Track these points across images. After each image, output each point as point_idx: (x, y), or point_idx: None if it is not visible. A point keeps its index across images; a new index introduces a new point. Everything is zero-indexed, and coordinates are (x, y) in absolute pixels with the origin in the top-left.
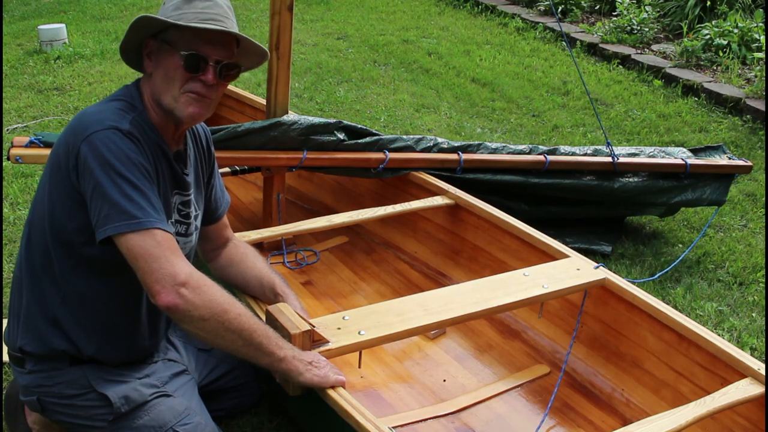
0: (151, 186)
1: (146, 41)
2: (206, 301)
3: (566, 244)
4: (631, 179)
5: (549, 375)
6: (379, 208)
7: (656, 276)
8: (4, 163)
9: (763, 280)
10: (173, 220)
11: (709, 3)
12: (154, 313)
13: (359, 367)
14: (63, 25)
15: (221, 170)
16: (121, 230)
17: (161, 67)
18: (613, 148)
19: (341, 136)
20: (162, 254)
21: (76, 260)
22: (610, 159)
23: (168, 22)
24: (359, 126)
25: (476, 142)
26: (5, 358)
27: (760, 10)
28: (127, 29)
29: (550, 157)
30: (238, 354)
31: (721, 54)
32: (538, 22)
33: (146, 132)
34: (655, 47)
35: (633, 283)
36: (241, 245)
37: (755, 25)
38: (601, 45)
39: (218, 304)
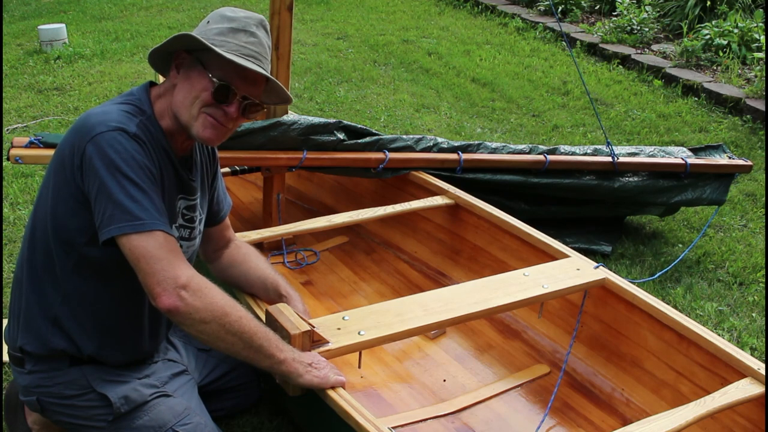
0: (155, 189)
1: (180, 52)
2: (207, 304)
3: (566, 244)
4: (631, 179)
5: (549, 375)
6: (379, 208)
7: (656, 276)
8: (4, 163)
9: (763, 280)
10: (177, 225)
11: (709, 3)
12: (155, 314)
13: (359, 367)
14: (63, 25)
15: (221, 170)
16: (125, 231)
17: (188, 83)
18: (613, 147)
19: (341, 136)
20: (164, 256)
21: (77, 260)
22: (610, 159)
23: (208, 46)
24: (359, 126)
25: (476, 142)
26: (5, 358)
27: (760, 10)
28: (167, 40)
29: (550, 157)
30: (239, 356)
31: (721, 54)
32: (538, 22)
33: (153, 136)
34: (655, 47)
35: (633, 283)
36: (243, 246)
37: (755, 25)
38: (601, 45)
39: (219, 307)
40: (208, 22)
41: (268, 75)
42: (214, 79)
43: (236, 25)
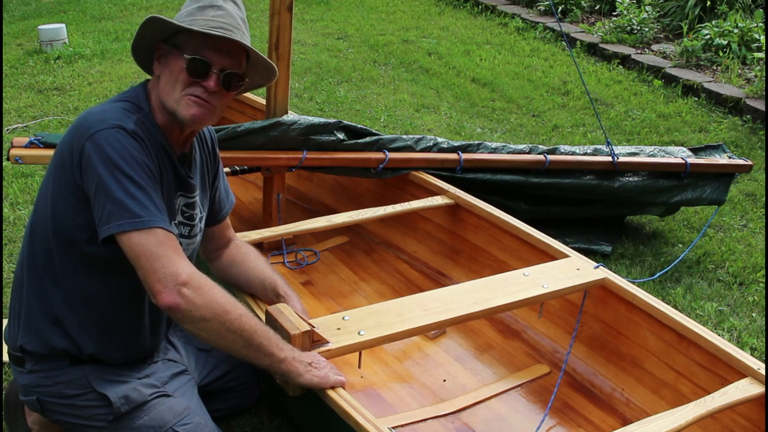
0: (154, 186)
1: (158, 44)
2: (207, 302)
3: (566, 244)
4: (631, 179)
5: (549, 375)
6: (379, 208)
7: (656, 276)
8: (4, 163)
9: (763, 280)
10: (177, 222)
11: (709, 3)
12: (156, 312)
13: (359, 367)
14: (63, 25)
15: None
16: (124, 228)
17: (168, 70)
18: (613, 147)
19: (341, 136)
20: (164, 253)
21: (78, 258)
22: (610, 158)
23: (176, 26)
24: (359, 126)
25: (476, 142)
26: (5, 357)
27: (760, 10)
28: (138, 29)
29: (550, 157)
30: (239, 355)
31: (721, 54)
32: (538, 22)
33: (151, 133)
34: (655, 47)
35: (633, 283)
36: (243, 246)
37: (755, 25)
38: (601, 45)
39: (219, 305)
40: (181, 9)
41: (236, 39)
42: (187, 56)
43: (203, 3)
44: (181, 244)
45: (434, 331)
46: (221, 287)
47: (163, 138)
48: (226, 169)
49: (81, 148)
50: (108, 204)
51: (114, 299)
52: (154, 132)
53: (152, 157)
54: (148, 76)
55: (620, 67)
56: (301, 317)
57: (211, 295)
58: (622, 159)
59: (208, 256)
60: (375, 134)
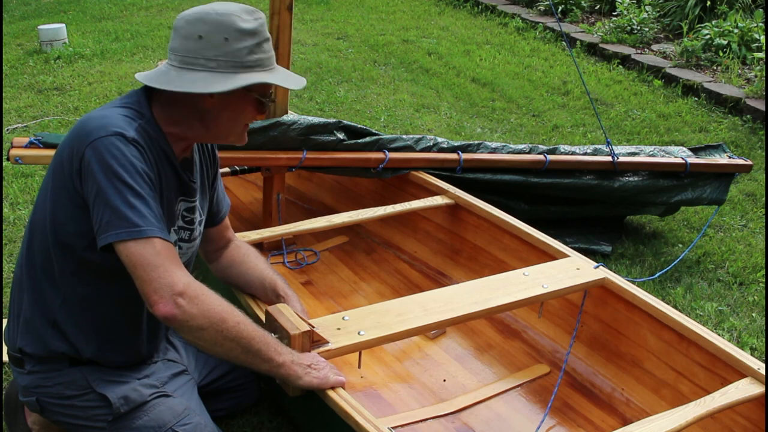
0: (153, 194)
1: None
2: (204, 311)
3: (566, 244)
4: (631, 178)
5: (549, 375)
6: (379, 208)
7: (656, 276)
8: (4, 163)
9: (763, 280)
10: (177, 227)
11: (709, 3)
12: (154, 318)
13: (359, 367)
14: (63, 25)
15: (221, 170)
16: (122, 238)
17: (230, 109)
18: (613, 147)
19: (341, 135)
20: (161, 263)
21: (76, 264)
22: (610, 158)
23: (265, 83)
24: (359, 126)
25: (476, 142)
26: (5, 358)
27: (760, 10)
28: (230, 88)
29: (550, 157)
30: (237, 361)
31: (721, 54)
32: (538, 22)
33: (153, 140)
34: (655, 47)
35: (633, 282)
36: (243, 246)
37: (755, 25)
38: (601, 45)
39: (216, 314)
40: (227, 39)
41: (303, 84)
42: (256, 96)
43: (259, 39)
44: (180, 248)
45: (434, 331)
46: (219, 295)
47: (167, 145)
48: (226, 169)
49: (81, 155)
50: (106, 212)
51: (112, 304)
52: (157, 138)
53: (152, 164)
54: None
55: (620, 67)
56: (300, 317)
57: (207, 304)
58: (622, 159)
59: (208, 257)
60: (375, 134)
